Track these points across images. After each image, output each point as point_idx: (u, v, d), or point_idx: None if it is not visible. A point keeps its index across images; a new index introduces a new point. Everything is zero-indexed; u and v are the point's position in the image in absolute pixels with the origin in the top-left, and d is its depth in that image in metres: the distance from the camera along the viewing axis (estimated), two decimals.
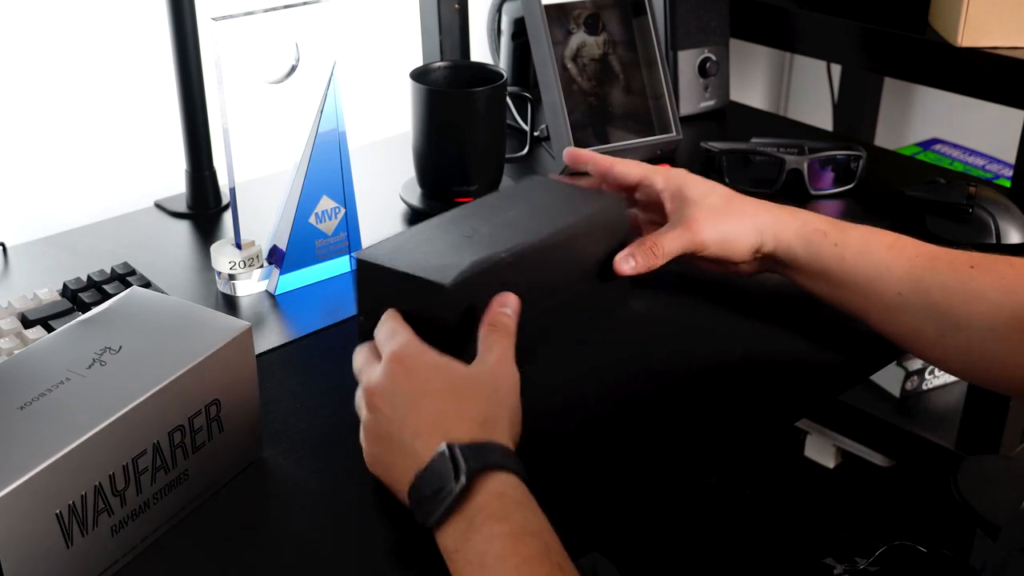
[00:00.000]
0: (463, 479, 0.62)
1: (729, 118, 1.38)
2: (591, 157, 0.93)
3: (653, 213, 0.91)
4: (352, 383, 0.72)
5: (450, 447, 0.63)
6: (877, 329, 0.84)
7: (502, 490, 0.63)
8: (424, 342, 0.70)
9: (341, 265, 0.99)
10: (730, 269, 0.89)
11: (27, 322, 0.86)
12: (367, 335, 0.74)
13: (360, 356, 0.73)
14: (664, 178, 0.90)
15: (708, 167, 1.17)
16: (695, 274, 0.93)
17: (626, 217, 0.88)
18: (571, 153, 0.93)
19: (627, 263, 0.85)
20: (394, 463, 0.67)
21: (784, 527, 1.00)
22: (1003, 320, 0.77)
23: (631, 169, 0.91)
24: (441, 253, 0.78)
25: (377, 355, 0.71)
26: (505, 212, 0.84)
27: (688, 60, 1.33)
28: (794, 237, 0.85)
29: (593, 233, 0.85)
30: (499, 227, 0.81)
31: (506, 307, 0.74)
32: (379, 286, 0.76)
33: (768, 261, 0.87)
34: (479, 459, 0.63)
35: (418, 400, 0.67)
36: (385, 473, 0.69)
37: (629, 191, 0.92)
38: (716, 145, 1.17)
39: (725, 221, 0.86)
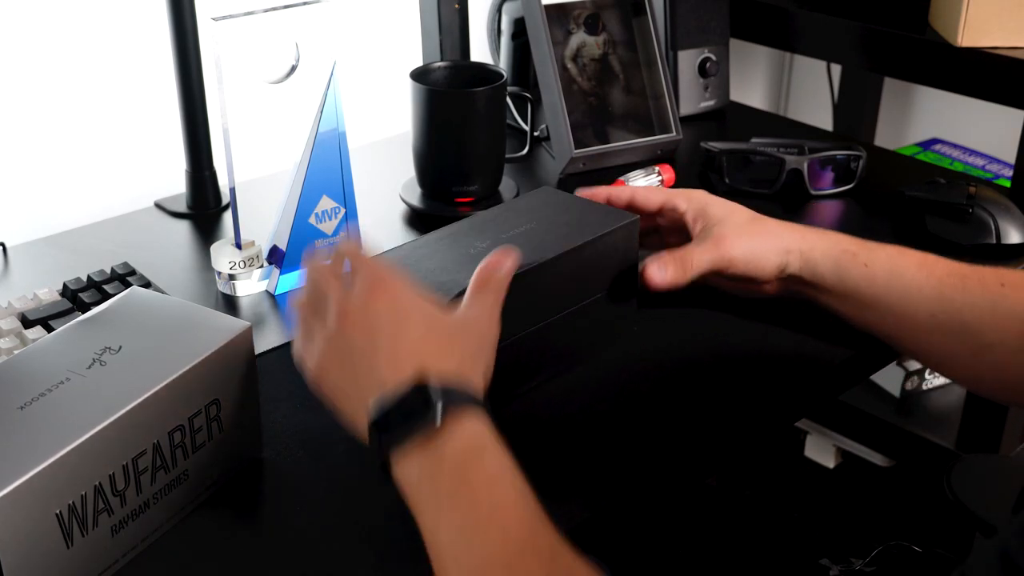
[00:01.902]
0: (438, 413, 0.60)
1: (729, 118, 1.38)
2: (607, 193, 0.90)
3: (675, 237, 0.90)
4: None
5: (426, 380, 0.61)
6: (908, 351, 0.84)
7: (476, 431, 0.61)
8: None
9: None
10: (754, 289, 0.88)
11: (27, 322, 0.86)
12: None
13: (324, 271, 0.68)
14: (686, 199, 0.89)
15: (708, 167, 1.17)
16: None
17: (637, 236, 0.86)
18: (585, 194, 0.91)
19: (661, 273, 0.83)
20: (355, 388, 0.65)
21: (780, 528, 1.00)
22: None
23: (652, 196, 0.90)
24: (443, 269, 0.77)
25: (338, 285, 0.67)
26: (513, 227, 0.83)
27: (688, 60, 1.33)
28: (822, 257, 0.84)
29: (605, 252, 0.83)
30: (506, 243, 0.79)
31: (500, 269, 0.71)
32: None
33: (794, 281, 0.86)
34: (456, 397, 0.61)
35: (397, 330, 0.65)
36: (338, 395, 0.66)
37: (650, 218, 0.91)
38: (716, 145, 1.17)
39: (752, 239, 0.84)
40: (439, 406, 0.60)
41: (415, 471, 0.61)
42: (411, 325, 0.65)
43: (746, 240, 0.84)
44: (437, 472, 0.60)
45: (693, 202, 0.88)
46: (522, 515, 0.59)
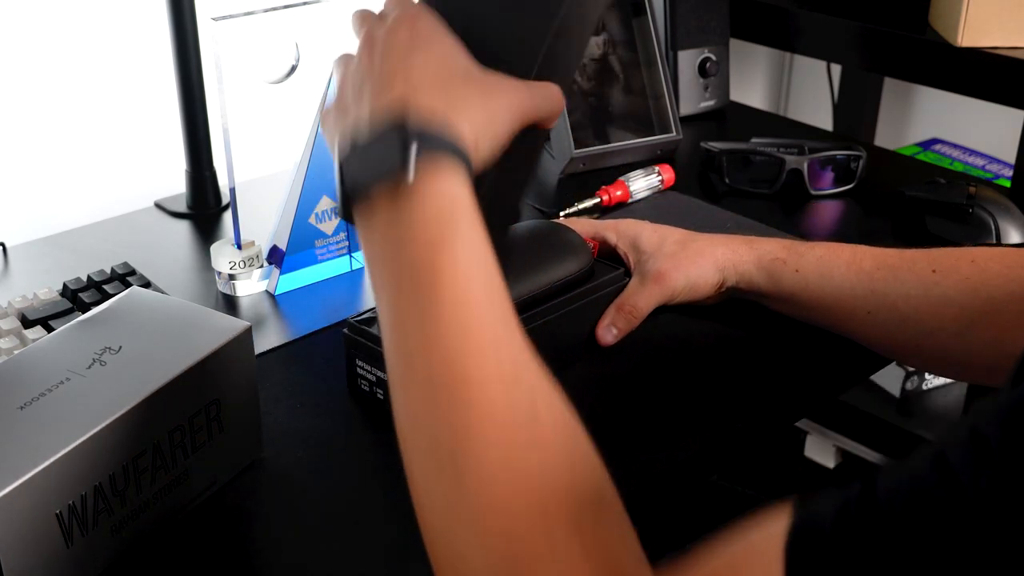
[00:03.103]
0: (410, 161, 0.54)
1: (729, 118, 1.38)
2: None
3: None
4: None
5: (404, 116, 0.55)
6: (859, 341, 0.85)
7: (451, 194, 0.55)
8: None
9: (341, 265, 0.99)
10: (695, 303, 0.89)
11: (27, 322, 0.86)
12: None
13: (366, 15, 0.65)
14: (615, 232, 0.91)
15: (708, 167, 1.17)
16: None
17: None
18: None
19: (609, 333, 0.85)
20: (343, 116, 0.61)
21: None
22: (973, 320, 0.77)
23: (579, 228, 0.91)
24: None
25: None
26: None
27: (688, 60, 1.33)
28: (754, 269, 0.86)
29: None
30: None
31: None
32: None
33: (732, 292, 0.88)
34: (433, 142, 0.55)
35: (405, 53, 0.59)
36: (333, 125, 0.62)
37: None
38: (716, 145, 1.17)
39: (689, 266, 0.86)
40: (412, 151, 0.54)
41: (378, 232, 0.56)
42: (420, 51, 0.59)
43: (683, 269, 0.86)
44: (401, 242, 0.55)
45: (623, 236, 0.91)
46: (488, 320, 0.54)
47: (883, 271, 0.81)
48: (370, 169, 0.56)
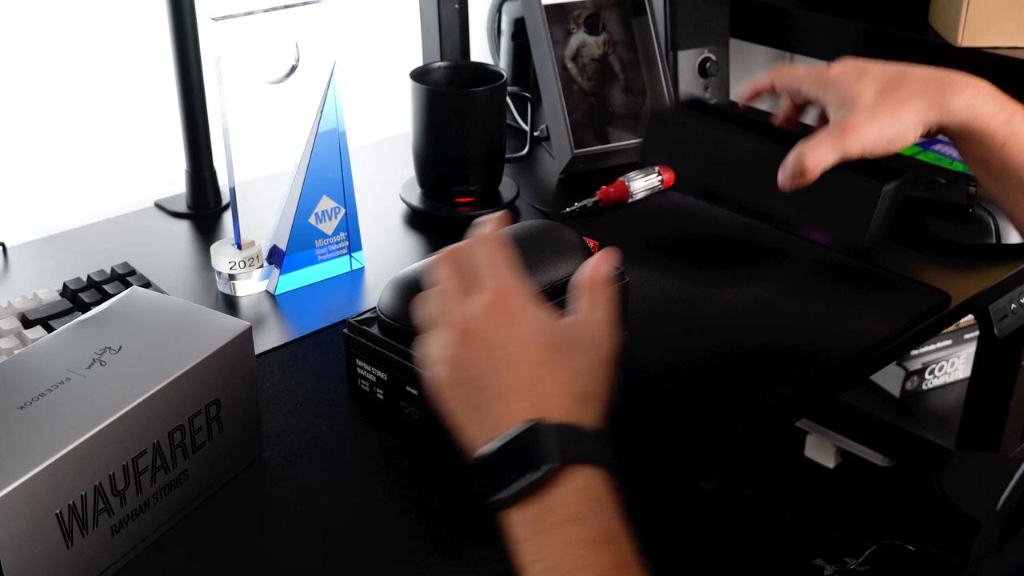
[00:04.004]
0: (546, 467, 0.56)
1: None
2: (753, 87, 0.90)
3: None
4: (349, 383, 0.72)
5: (541, 426, 0.57)
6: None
7: (587, 485, 0.57)
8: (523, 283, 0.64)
9: (341, 265, 0.99)
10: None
11: (27, 322, 0.86)
12: None
13: (448, 269, 0.64)
14: (814, 84, 0.84)
15: None
16: (693, 275, 0.93)
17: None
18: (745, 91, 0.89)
19: (784, 173, 0.80)
20: (470, 417, 0.61)
21: (774, 528, 1.00)
22: None
23: (795, 74, 0.86)
24: None
25: (467, 281, 0.64)
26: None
27: (688, 60, 1.33)
28: (960, 130, 0.81)
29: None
30: None
31: (606, 265, 0.66)
32: None
33: (939, 133, 0.83)
34: (569, 447, 0.57)
35: (515, 357, 0.60)
36: (454, 418, 0.62)
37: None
38: None
39: (884, 121, 0.79)
40: (549, 461, 0.57)
41: (520, 530, 0.58)
42: (530, 349, 0.61)
43: (878, 125, 0.79)
44: (542, 532, 0.57)
45: (825, 87, 0.83)
46: None
47: None
48: (513, 478, 0.57)
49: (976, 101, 0.81)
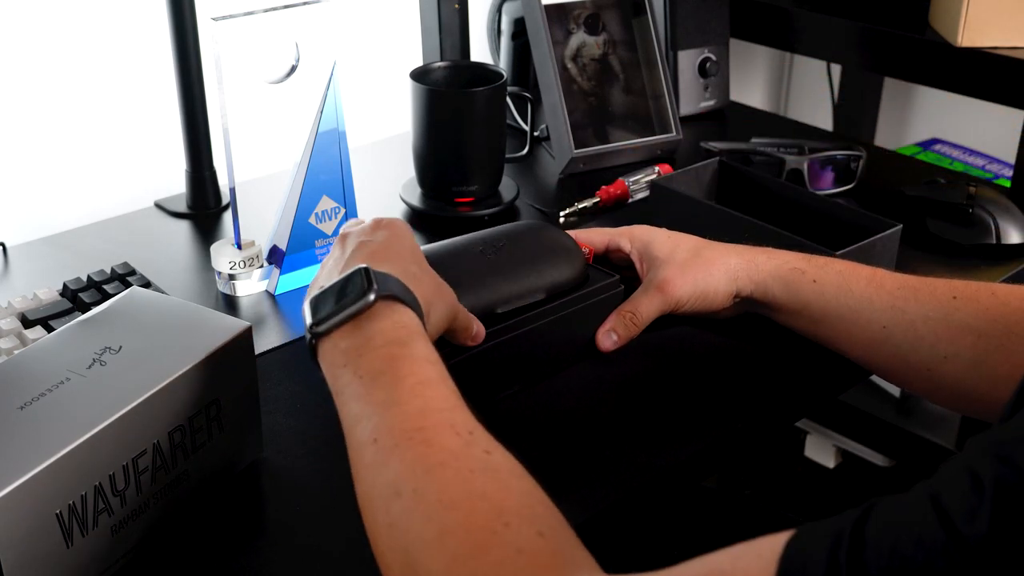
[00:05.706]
0: (371, 296, 0.64)
1: (729, 118, 1.38)
2: None
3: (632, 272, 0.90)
4: None
5: (368, 269, 0.65)
6: (862, 364, 0.83)
7: (404, 321, 0.64)
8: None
9: None
10: (710, 316, 0.88)
11: (27, 322, 0.86)
12: None
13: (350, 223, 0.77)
14: (630, 239, 0.89)
15: None
16: None
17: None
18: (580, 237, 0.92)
19: (609, 339, 0.84)
20: (327, 270, 0.71)
21: (774, 528, 0.99)
22: (989, 351, 0.75)
23: (594, 237, 0.90)
24: None
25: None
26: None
27: (688, 60, 1.33)
28: (770, 278, 0.84)
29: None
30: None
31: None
32: None
33: (747, 304, 0.87)
34: (385, 286, 0.65)
35: (379, 248, 0.70)
36: (317, 276, 0.72)
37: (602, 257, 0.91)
38: (716, 145, 1.17)
39: (698, 275, 0.84)
40: (374, 292, 0.64)
41: (340, 355, 0.63)
42: (390, 244, 0.70)
43: (692, 278, 0.84)
44: (364, 350, 0.63)
45: (636, 241, 0.89)
46: (445, 393, 0.61)
47: (904, 290, 0.80)
48: (337, 303, 0.65)
49: (778, 251, 0.85)
